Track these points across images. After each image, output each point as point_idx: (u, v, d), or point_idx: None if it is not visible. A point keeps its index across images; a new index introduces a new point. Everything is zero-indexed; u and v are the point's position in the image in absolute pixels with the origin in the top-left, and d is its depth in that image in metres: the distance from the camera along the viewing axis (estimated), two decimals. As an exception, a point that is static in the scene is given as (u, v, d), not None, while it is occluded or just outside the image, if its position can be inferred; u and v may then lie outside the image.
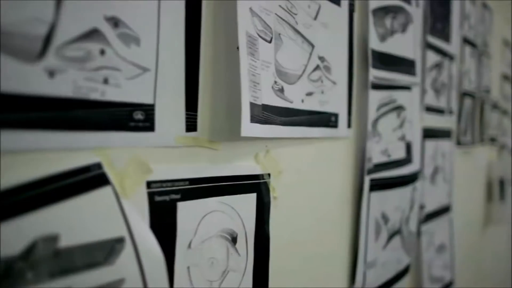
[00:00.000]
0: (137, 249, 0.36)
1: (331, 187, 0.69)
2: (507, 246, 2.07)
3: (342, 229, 0.72)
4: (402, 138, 0.85)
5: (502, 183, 1.67)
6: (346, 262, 0.74)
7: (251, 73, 0.48)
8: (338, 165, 0.70)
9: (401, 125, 0.84)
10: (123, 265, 0.35)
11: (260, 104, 0.50)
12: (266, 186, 0.54)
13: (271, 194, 0.55)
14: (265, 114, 0.51)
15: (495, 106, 1.70)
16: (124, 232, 0.36)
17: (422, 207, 1.03)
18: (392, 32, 0.81)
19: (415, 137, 0.91)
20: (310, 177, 0.64)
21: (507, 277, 2.03)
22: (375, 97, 0.77)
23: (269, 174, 0.55)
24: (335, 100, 0.66)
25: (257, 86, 0.49)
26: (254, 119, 0.48)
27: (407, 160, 0.87)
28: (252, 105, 0.48)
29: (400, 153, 0.84)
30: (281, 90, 0.55)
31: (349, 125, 0.70)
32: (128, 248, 0.36)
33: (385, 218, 0.80)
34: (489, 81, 1.59)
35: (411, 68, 0.87)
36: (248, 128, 0.46)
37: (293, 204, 0.60)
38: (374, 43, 0.75)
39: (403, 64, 0.84)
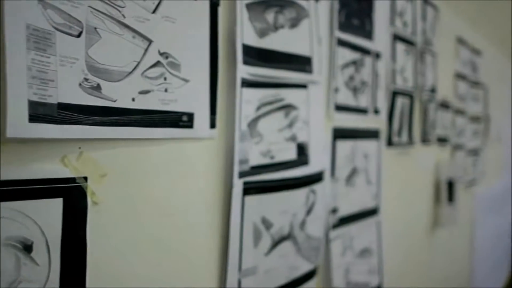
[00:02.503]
0: None
1: (191, 190, 0.65)
2: (460, 248, 2.03)
3: (210, 235, 0.69)
4: (292, 138, 0.81)
5: (451, 184, 1.63)
6: (216, 270, 0.70)
7: (36, 69, 0.44)
8: (200, 168, 0.66)
9: (290, 125, 0.81)
10: None
11: (55, 102, 0.46)
12: (80, 190, 0.51)
13: (89, 199, 0.52)
14: (63, 113, 0.47)
15: (444, 106, 1.66)
16: None
17: (334, 210, 0.99)
18: (276, 28, 0.77)
19: (314, 138, 0.87)
20: (157, 180, 0.60)
21: (460, 277, 1.99)
22: (254, 96, 0.74)
23: (85, 178, 0.51)
24: (187, 98, 0.62)
25: (49, 83, 0.46)
26: (41, 119, 0.45)
27: (299, 162, 0.83)
28: (35, 104, 0.44)
29: (288, 155, 0.80)
30: (97, 87, 0.51)
31: (213, 125, 0.67)
32: None
33: (266, 223, 0.76)
34: (434, 80, 1.55)
35: (305, 66, 0.84)
36: (23, 128, 0.43)
37: (130, 209, 0.57)
38: (249, 39, 0.71)
39: (293, 61, 0.80)
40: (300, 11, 0.82)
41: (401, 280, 1.41)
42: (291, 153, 0.81)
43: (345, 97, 1.01)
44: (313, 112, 0.87)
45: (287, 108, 0.80)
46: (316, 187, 0.89)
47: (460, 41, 1.83)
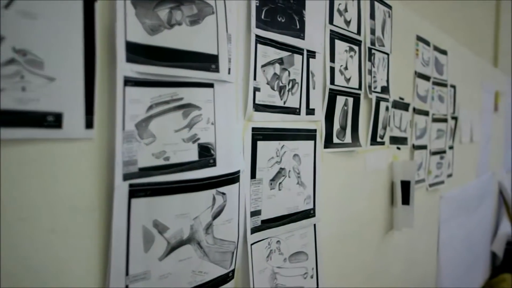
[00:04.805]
0: None
1: (63, 192, 0.62)
2: (423, 251, 2.00)
3: (89, 239, 0.66)
4: (192, 139, 0.78)
5: (407, 185, 1.59)
6: (100, 275, 0.67)
7: None
8: (76, 169, 0.64)
9: (190, 126, 0.78)
10: None
11: None
12: None
13: None
14: None
15: (401, 106, 1.63)
16: None
17: (255, 213, 0.97)
18: (171, 25, 0.74)
19: (224, 139, 0.85)
20: (16, 183, 0.58)
21: (425, 280, 1.97)
22: (145, 95, 0.71)
23: None
24: (53, 97, 0.60)
25: None
26: None
27: (202, 163, 0.80)
28: None
29: (187, 156, 0.78)
30: None
31: (89, 126, 0.64)
32: None
33: (159, 227, 0.74)
34: (388, 79, 1.52)
35: (210, 64, 0.81)
36: None
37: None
38: (136, 36, 0.69)
39: (193, 60, 0.78)
40: (203, 8, 0.80)
41: (348, 283, 1.39)
42: (191, 154, 0.78)
43: (268, 97, 0.98)
44: (221, 112, 0.84)
45: (187, 107, 0.77)
46: (226, 189, 0.86)
47: (421, 40, 1.80)
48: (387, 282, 1.66)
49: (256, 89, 0.95)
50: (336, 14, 1.22)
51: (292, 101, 1.06)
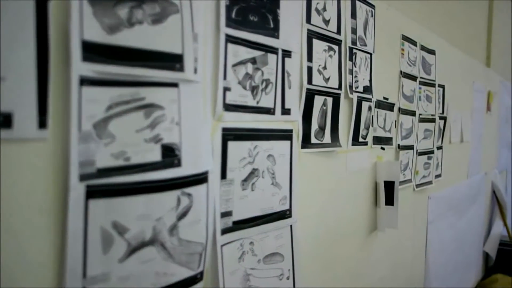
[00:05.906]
0: None
1: (15, 193, 0.62)
2: (410, 252, 1.99)
3: (44, 241, 0.65)
4: (155, 139, 0.77)
5: (391, 186, 1.58)
6: (57, 277, 0.67)
7: None
8: (28, 170, 0.63)
9: (152, 126, 0.77)
10: None
11: None
12: None
13: None
14: None
15: (385, 106, 1.62)
16: None
17: (225, 214, 0.96)
18: (131, 23, 0.73)
19: (190, 139, 0.84)
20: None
21: (413, 281, 1.96)
22: (103, 95, 0.70)
23: None
24: (3, 97, 0.59)
25: None
26: None
27: (165, 164, 0.79)
28: None
29: (150, 156, 0.77)
30: None
31: (43, 126, 0.63)
32: None
33: (119, 228, 0.73)
34: (370, 79, 1.51)
35: (174, 63, 0.80)
36: None
37: None
38: (93, 35, 0.68)
39: (156, 59, 0.77)
40: (166, 7, 0.79)
41: (331, 284, 1.38)
42: (153, 155, 0.77)
43: (239, 97, 0.97)
44: (187, 112, 0.83)
45: (148, 107, 0.77)
46: (193, 189, 0.85)
47: (407, 39, 1.79)
48: (373, 282, 1.65)
49: (226, 89, 0.94)
50: (314, 13, 1.21)
51: (266, 101, 1.05)
